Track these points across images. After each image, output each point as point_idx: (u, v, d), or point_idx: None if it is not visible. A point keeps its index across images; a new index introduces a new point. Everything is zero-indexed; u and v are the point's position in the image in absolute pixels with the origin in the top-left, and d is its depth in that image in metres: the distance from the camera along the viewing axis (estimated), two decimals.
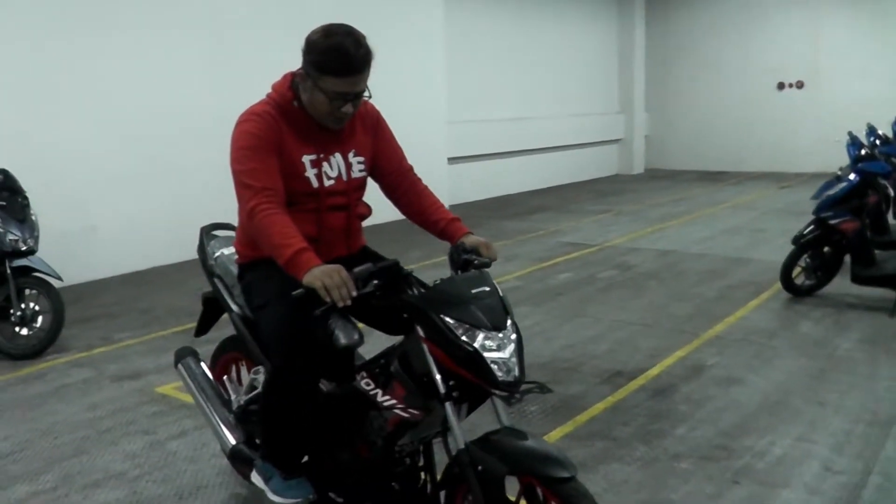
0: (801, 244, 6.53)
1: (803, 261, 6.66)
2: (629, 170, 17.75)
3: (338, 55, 2.64)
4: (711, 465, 3.86)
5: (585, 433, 4.28)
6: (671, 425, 4.33)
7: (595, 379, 5.09)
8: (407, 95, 11.79)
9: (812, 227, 6.48)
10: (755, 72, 16.60)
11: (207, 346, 3.87)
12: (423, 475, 2.93)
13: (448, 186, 12.89)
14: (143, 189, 8.60)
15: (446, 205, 11.52)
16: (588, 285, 7.55)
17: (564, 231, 10.58)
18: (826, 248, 6.54)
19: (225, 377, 3.60)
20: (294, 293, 2.48)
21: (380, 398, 2.68)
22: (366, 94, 2.81)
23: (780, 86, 16.50)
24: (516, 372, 2.44)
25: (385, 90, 12.00)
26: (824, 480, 3.67)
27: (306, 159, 2.82)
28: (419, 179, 3.18)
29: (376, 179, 3.15)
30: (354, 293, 2.43)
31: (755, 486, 3.64)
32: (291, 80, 2.84)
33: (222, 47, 9.17)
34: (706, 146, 17.44)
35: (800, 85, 16.27)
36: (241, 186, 2.72)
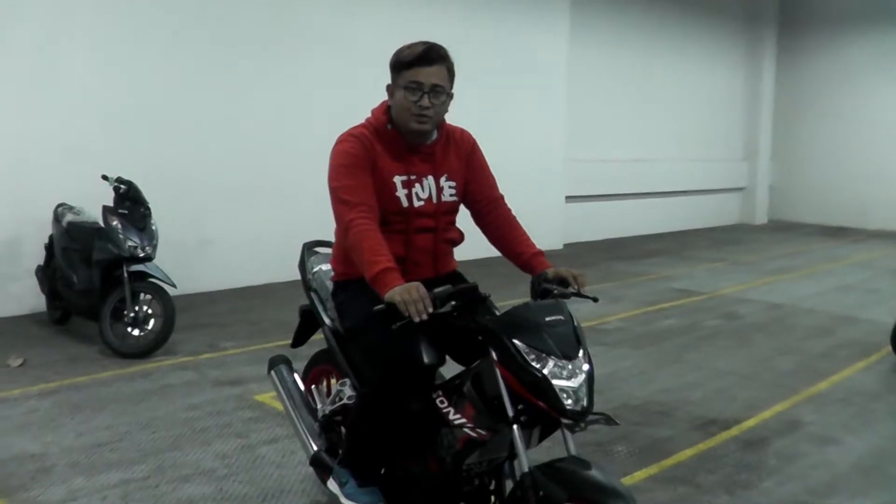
0: None
1: None
2: (751, 219, 17.28)
3: (411, 49, 2.89)
4: None
5: (669, 477, 4.22)
6: (758, 478, 4.22)
7: (687, 425, 5.00)
8: (527, 131, 11.90)
9: None
10: (885, 126, 15.96)
11: (303, 359, 4.01)
12: (492, 498, 2.97)
13: (563, 225, 12.90)
14: (259, 207, 8.94)
15: (560, 244, 11.54)
16: (692, 332, 7.42)
17: (676, 277, 10.41)
18: None
19: (314, 387, 3.74)
20: (375, 308, 2.60)
21: (451, 416, 2.75)
22: (446, 92, 2.96)
23: None
24: (584, 402, 2.47)
25: (506, 124, 12.30)
26: None
27: (398, 179, 2.95)
28: (509, 210, 3.28)
29: (466, 205, 3.27)
30: (431, 310, 2.52)
31: None
32: (387, 107, 3.00)
33: (345, 73, 9.46)
34: (830, 199, 16.82)
35: None
36: (338, 202, 2.87)
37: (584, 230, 13.61)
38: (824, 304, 8.75)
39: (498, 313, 2.76)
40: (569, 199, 13.03)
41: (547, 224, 12.38)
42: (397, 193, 2.95)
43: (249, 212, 8.90)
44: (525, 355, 2.46)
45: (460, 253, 3.29)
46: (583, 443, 4.61)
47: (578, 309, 8.25)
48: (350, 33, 9.55)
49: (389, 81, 2.99)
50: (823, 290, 9.61)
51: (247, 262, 8.87)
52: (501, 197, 3.30)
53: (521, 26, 11.77)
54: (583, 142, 13.41)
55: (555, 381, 2.43)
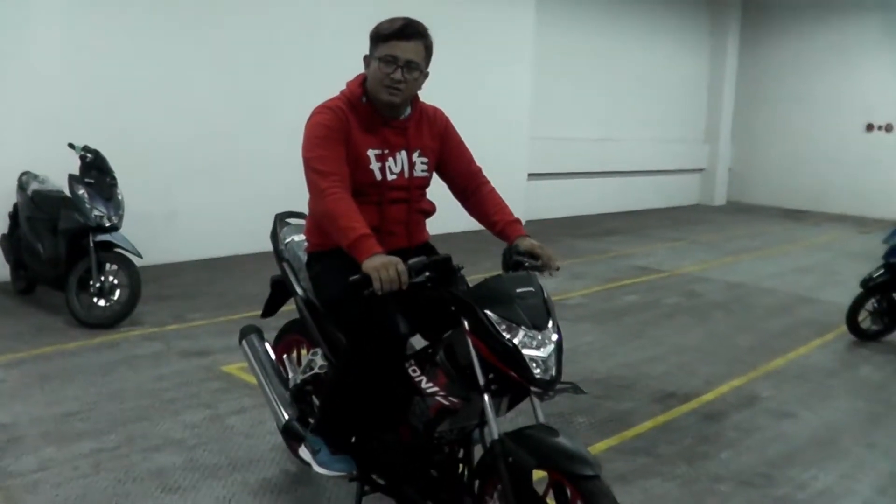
0: (869, 288, 6.42)
1: (871, 305, 6.54)
2: (710, 201, 17.52)
3: (391, 23, 2.95)
4: (751, 490, 3.88)
5: (630, 448, 4.34)
6: (717, 449, 4.36)
7: (647, 398, 5.13)
8: (492, 108, 11.92)
9: (882, 271, 6.36)
10: (844, 112, 16.21)
11: (273, 330, 4.05)
12: (461, 466, 3.05)
13: (526, 202, 12.97)
14: (223, 179, 8.91)
15: (522, 220, 11.63)
16: (653, 309, 7.56)
17: (636, 255, 10.56)
18: (895, 294, 6.43)
19: (285, 356, 3.79)
20: (351, 279, 2.65)
21: (424, 385, 2.82)
22: (420, 69, 3.02)
23: (869, 127, 16.08)
24: (553, 371, 2.55)
25: (471, 101, 12.27)
26: None
27: (371, 153, 3.00)
28: (487, 181, 3.34)
29: (445, 180, 3.33)
30: (405, 287, 2.59)
31: None
32: (363, 80, 3.04)
33: (311, 45, 9.43)
34: (789, 183, 17.10)
35: (889, 128, 15.84)
36: (311, 171, 2.92)
37: (546, 207, 13.71)
38: (783, 284, 8.95)
39: (470, 285, 2.83)
40: (532, 176, 13.12)
41: (510, 201, 12.08)
42: (371, 167, 3.00)
43: (216, 184, 8.86)
44: (496, 325, 2.53)
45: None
46: (546, 414, 4.71)
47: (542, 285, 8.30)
48: (321, 8, 9.51)
49: (367, 52, 3.03)
50: (782, 270, 9.82)
51: (213, 233, 8.85)
52: (479, 170, 3.37)
53: (487, 4, 11.79)
54: (547, 120, 13.49)
55: (525, 351, 2.51)
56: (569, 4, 13.81)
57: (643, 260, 10.18)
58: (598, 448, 4.30)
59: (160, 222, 8.40)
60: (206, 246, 8.84)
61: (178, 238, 8.60)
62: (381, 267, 2.60)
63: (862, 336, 6.56)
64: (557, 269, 2.99)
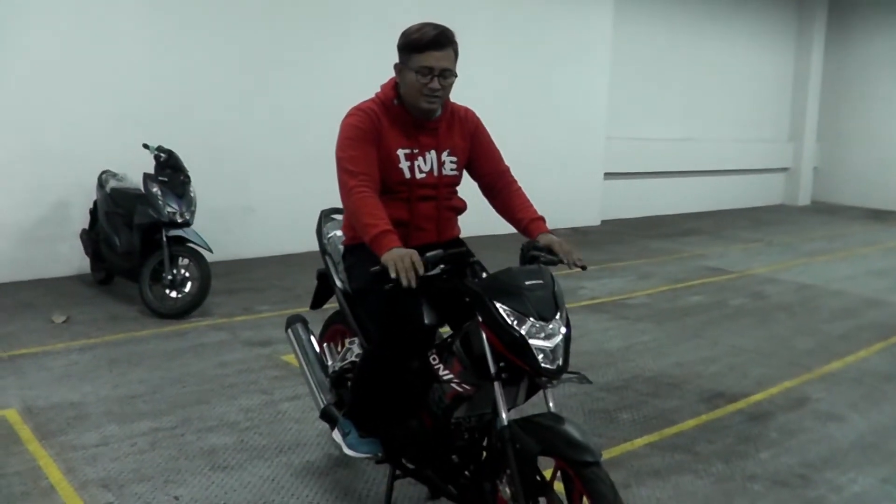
0: None
1: None
2: (794, 201, 17.14)
3: (420, 34, 3.04)
4: (785, 490, 3.89)
5: (669, 445, 4.38)
6: (756, 449, 4.36)
7: (695, 397, 5.15)
8: (568, 107, 11.98)
9: None
10: None
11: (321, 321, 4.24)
12: (483, 453, 3.17)
13: (602, 201, 12.97)
14: (299, 175, 9.20)
15: (598, 220, 11.66)
16: (716, 310, 7.52)
17: (709, 256, 10.46)
18: None
19: (328, 345, 3.97)
20: (371, 269, 2.81)
21: (441, 372, 2.95)
22: (454, 74, 3.11)
23: None
24: (560, 361, 2.65)
25: (546, 100, 12.34)
26: None
27: (401, 152, 3.15)
28: (514, 181, 3.45)
29: (475, 179, 3.47)
30: (421, 273, 2.73)
31: None
32: (395, 83, 3.19)
33: (384, 47, 9.62)
34: (875, 183, 16.61)
35: None
36: (342, 171, 3.09)
37: (623, 207, 13.67)
38: (854, 286, 8.77)
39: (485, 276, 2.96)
40: (608, 175, 13.08)
41: (585, 200, 12.50)
42: (400, 165, 3.15)
43: (290, 181, 9.16)
44: (506, 316, 2.65)
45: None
46: (590, 409, 4.82)
47: (606, 284, 8.38)
48: (392, 8, 9.72)
49: (397, 60, 3.17)
50: (856, 272, 9.61)
51: (286, 230, 9.14)
52: (507, 169, 3.47)
53: (565, 3, 11.83)
54: (625, 119, 13.44)
55: (532, 341, 2.62)
56: (648, 1, 13.72)
57: (715, 261, 10.09)
58: (637, 444, 4.37)
59: (235, 218, 8.75)
60: (280, 242, 9.15)
61: (253, 233, 8.94)
62: (398, 258, 2.75)
63: None
64: (584, 267, 3.05)
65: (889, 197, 16.42)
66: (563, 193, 11.42)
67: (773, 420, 4.80)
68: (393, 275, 2.72)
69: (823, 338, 6.65)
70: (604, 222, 12.95)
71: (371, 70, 9.25)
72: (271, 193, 9.07)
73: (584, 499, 2.58)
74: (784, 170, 17.16)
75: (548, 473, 2.76)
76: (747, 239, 12.12)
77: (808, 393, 5.30)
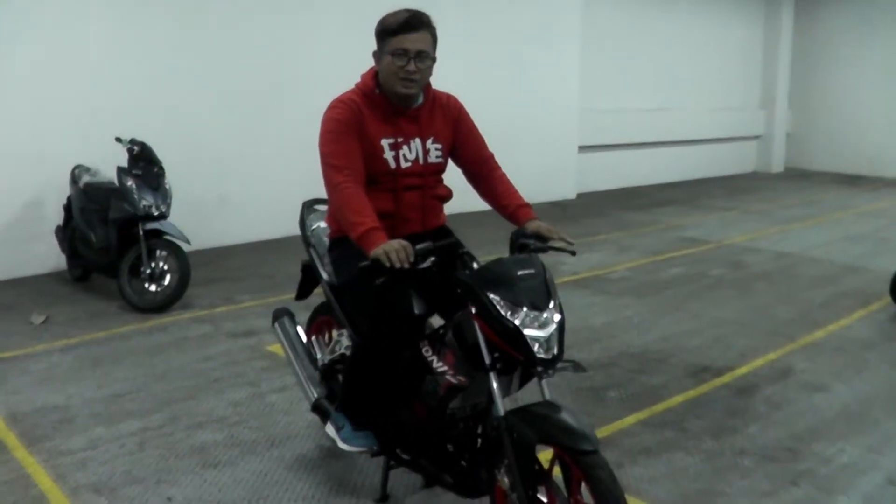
0: None
1: None
2: (768, 168, 17.23)
3: (395, 17, 3.04)
4: (774, 464, 3.92)
5: (658, 422, 4.41)
6: (744, 423, 4.40)
7: (681, 372, 5.18)
8: (540, 81, 11.92)
9: None
10: None
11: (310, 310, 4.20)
12: (479, 441, 3.17)
13: (577, 175, 12.96)
14: (273, 163, 9.14)
15: (574, 193, 11.61)
16: (696, 282, 7.56)
17: (686, 226, 10.51)
18: None
19: (315, 337, 3.94)
20: (361, 264, 2.79)
21: (435, 364, 2.94)
22: (431, 57, 3.10)
23: None
24: (555, 350, 2.65)
25: (518, 75, 12.25)
26: (884, 493, 3.67)
27: (385, 142, 3.12)
28: (498, 167, 3.43)
29: (458, 166, 3.44)
30: (412, 259, 2.72)
31: (813, 489, 3.68)
32: (375, 72, 3.15)
33: (358, 34, 9.53)
34: (847, 147, 16.74)
35: None
36: (327, 166, 3.05)
37: (597, 180, 13.68)
38: (832, 253, 8.85)
39: (476, 267, 2.94)
40: (582, 148, 13.06)
41: (560, 174, 12.50)
42: (385, 156, 3.12)
43: (264, 168, 9.09)
44: (499, 307, 2.64)
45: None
46: (578, 388, 4.84)
47: (586, 259, 8.37)
48: None
49: (375, 48, 3.14)
50: (832, 238, 9.69)
51: (262, 217, 9.09)
52: (492, 156, 3.45)
53: None
54: (598, 91, 13.41)
55: (526, 331, 2.61)
56: None
57: (692, 231, 10.14)
58: (626, 422, 4.39)
59: (211, 207, 8.66)
60: (256, 228, 9.09)
61: (228, 222, 8.86)
62: (386, 246, 2.74)
63: None
64: (573, 253, 3.06)
65: (861, 161, 16.58)
66: (539, 168, 11.41)
67: (759, 393, 4.84)
68: (384, 259, 2.70)
69: (804, 306, 6.70)
70: (580, 195, 12.96)
71: (344, 56, 9.26)
72: (246, 181, 8.99)
73: (583, 486, 2.59)
74: (756, 137, 17.24)
75: (544, 458, 2.76)
76: (723, 207, 12.19)
77: (792, 363, 5.34)
